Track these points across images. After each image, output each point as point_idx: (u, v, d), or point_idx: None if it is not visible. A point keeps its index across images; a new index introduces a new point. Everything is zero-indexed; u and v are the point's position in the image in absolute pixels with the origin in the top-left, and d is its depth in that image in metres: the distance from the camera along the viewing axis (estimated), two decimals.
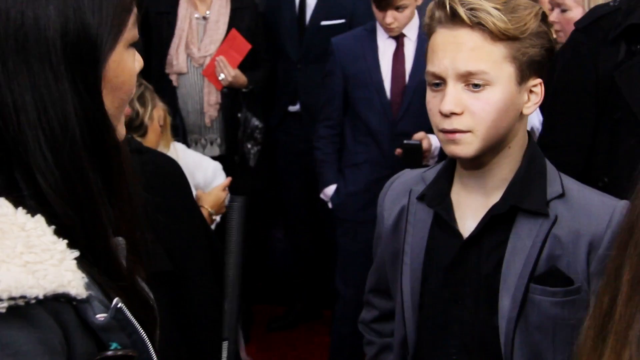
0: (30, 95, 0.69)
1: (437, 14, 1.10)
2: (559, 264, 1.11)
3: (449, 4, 1.07)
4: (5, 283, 0.62)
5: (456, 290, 1.17)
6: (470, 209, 1.17)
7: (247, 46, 2.89)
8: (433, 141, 2.49)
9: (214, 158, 2.58)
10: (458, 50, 1.07)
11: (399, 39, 2.56)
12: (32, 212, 0.69)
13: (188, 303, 1.55)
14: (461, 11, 1.06)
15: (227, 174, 2.43)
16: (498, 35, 1.06)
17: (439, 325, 1.19)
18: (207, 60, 2.91)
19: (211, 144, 2.97)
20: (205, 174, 2.36)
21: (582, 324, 0.70)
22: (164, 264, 1.43)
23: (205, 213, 1.99)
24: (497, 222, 1.14)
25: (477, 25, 1.06)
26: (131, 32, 0.77)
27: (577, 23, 1.73)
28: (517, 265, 1.11)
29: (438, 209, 1.18)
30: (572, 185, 1.17)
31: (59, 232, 0.69)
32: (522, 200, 1.12)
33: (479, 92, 1.08)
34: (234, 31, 2.90)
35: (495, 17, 1.05)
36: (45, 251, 0.67)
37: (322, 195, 2.74)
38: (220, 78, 2.89)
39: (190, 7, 2.96)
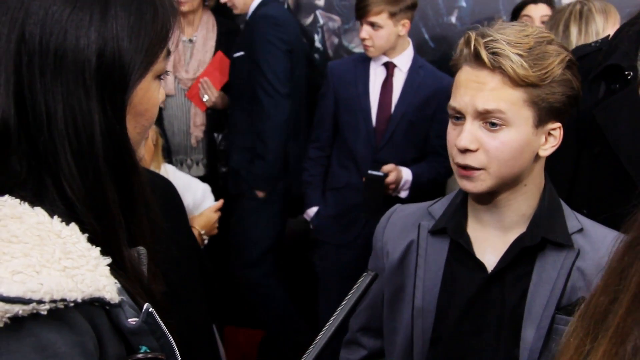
0: (61, 107, 0.74)
1: (464, 51, 1.13)
2: (582, 295, 1.12)
3: (474, 45, 1.10)
4: (47, 286, 0.65)
5: (477, 323, 1.17)
6: (488, 243, 1.19)
7: None
8: (404, 174, 2.52)
9: (199, 178, 2.60)
10: (479, 89, 1.10)
11: (389, 68, 2.61)
12: (65, 219, 0.73)
13: (178, 324, 1.56)
14: (483, 54, 1.09)
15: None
16: (517, 81, 1.08)
17: (454, 359, 1.19)
18: None
19: (197, 164, 3.00)
20: (194, 195, 2.37)
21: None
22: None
23: (195, 234, 2.01)
24: (521, 254, 1.16)
25: (498, 68, 1.09)
26: (161, 64, 0.82)
27: None
28: (542, 296, 1.13)
29: (461, 241, 1.19)
30: (585, 221, 1.20)
31: (91, 240, 0.73)
32: (548, 232, 1.15)
33: (496, 132, 1.10)
34: (219, 53, 2.93)
35: (515, 64, 1.07)
36: (81, 257, 0.70)
37: (305, 216, 2.79)
38: (204, 99, 2.91)
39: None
